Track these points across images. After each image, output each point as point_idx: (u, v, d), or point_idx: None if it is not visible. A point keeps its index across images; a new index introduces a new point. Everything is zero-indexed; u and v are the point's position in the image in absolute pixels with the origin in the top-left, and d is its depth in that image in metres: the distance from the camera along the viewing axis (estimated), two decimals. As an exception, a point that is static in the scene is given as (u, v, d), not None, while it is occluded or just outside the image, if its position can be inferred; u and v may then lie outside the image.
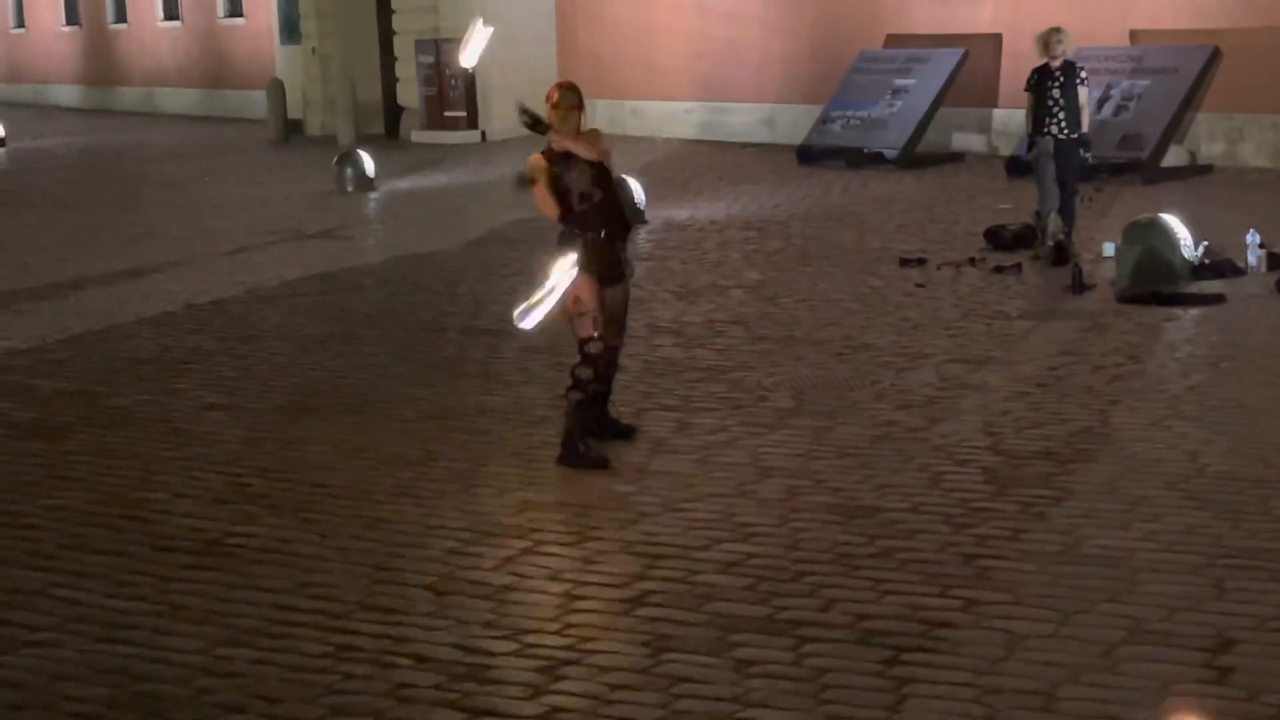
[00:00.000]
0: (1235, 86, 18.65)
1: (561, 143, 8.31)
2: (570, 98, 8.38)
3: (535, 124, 8.37)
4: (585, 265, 8.21)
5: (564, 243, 8.35)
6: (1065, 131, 13.70)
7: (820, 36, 23.47)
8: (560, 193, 8.36)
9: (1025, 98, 14.12)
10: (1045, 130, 13.72)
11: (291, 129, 30.29)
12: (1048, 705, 5.29)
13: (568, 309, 8.31)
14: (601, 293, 8.33)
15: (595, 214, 8.35)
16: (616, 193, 8.58)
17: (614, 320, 8.49)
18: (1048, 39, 13.79)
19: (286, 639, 6.13)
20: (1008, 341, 10.70)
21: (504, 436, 8.89)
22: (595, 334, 8.29)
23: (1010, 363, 10.10)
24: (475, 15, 8.77)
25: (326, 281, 14.36)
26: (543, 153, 8.44)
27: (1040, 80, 13.79)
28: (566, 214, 8.39)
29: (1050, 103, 13.70)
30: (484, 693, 5.61)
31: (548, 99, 8.40)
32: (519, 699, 5.55)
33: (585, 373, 8.30)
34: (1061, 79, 13.68)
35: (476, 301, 13.05)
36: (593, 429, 8.44)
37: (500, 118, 26.41)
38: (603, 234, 8.34)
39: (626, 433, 8.69)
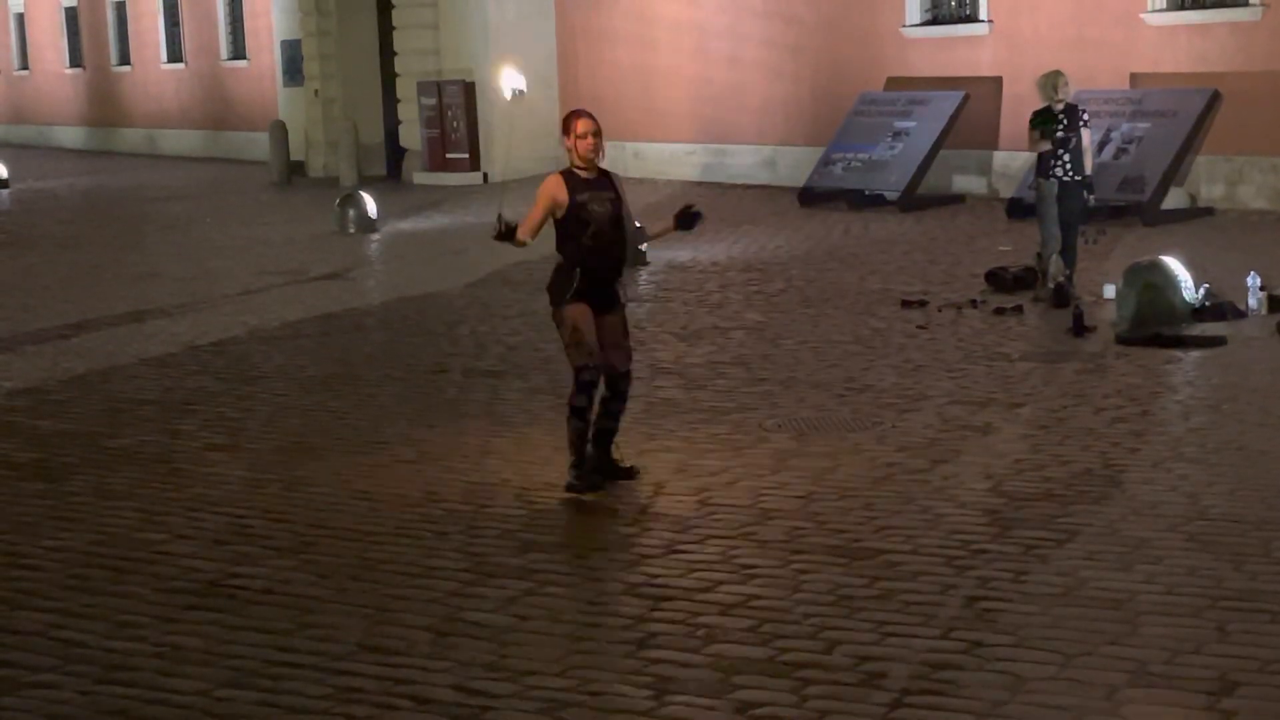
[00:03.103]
0: (1235, 129, 18.70)
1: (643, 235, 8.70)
2: (595, 124, 8.53)
3: (505, 235, 8.45)
4: (578, 295, 8.37)
5: (558, 276, 8.47)
6: (1070, 174, 13.73)
7: (821, 79, 23.56)
8: (577, 222, 8.40)
9: (1025, 140, 14.08)
10: (1050, 173, 13.75)
11: (294, 170, 30.37)
12: (1050, 748, 5.29)
13: (564, 339, 8.45)
14: (597, 320, 8.45)
15: (606, 252, 8.45)
16: (625, 233, 8.58)
17: (615, 345, 8.53)
18: (1054, 82, 13.81)
19: (288, 680, 6.12)
20: (1009, 383, 10.70)
21: (506, 478, 8.88)
22: (590, 363, 8.35)
23: (1011, 405, 10.10)
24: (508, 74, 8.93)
25: (328, 323, 14.37)
26: (562, 173, 8.50)
27: (1044, 122, 13.79)
28: (570, 244, 8.43)
29: (1055, 145, 13.72)
30: (485, 735, 5.60)
31: (575, 132, 8.44)
32: (520, 741, 5.54)
33: (581, 400, 8.39)
34: (1065, 121, 13.72)
35: (478, 343, 13.06)
36: (595, 467, 8.50)
37: (503, 160, 26.50)
38: (599, 270, 8.44)
39: (629, 474, 8.69)
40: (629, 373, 8.65)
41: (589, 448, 8.52)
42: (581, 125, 8.44)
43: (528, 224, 8.49)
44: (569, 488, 8.44)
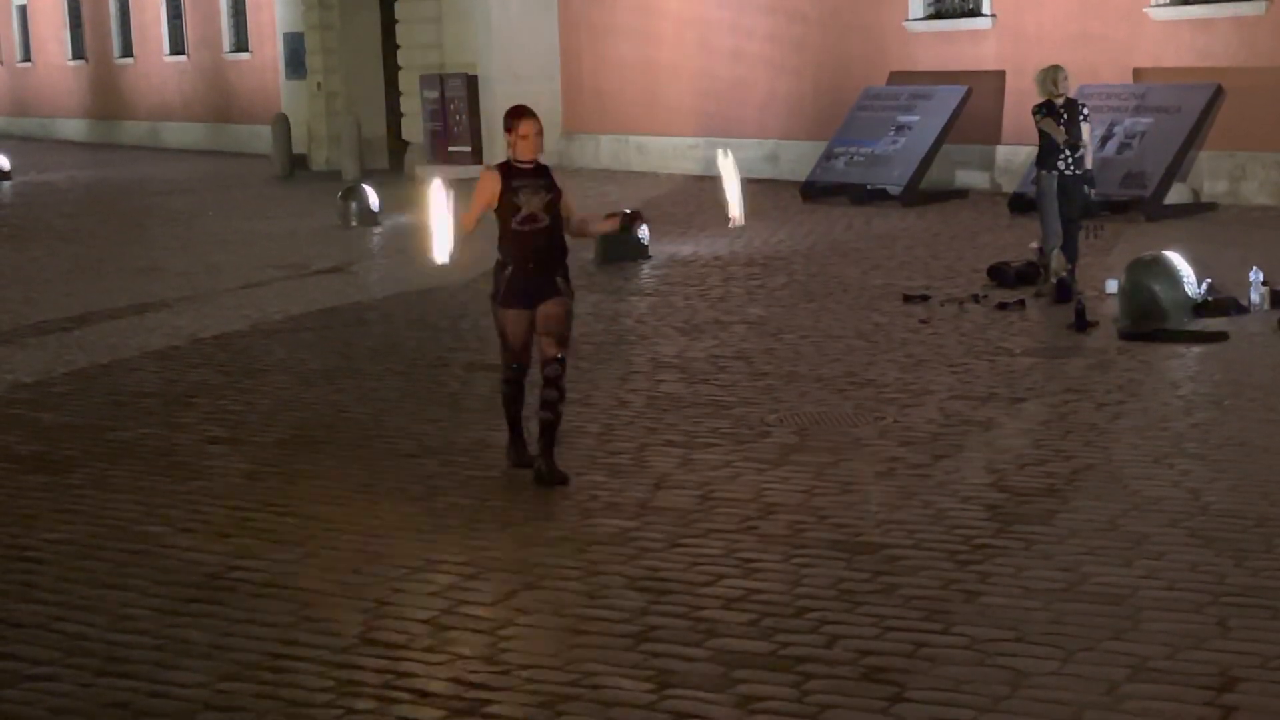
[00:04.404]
0: (1238, 125, 18.69)
1: (584, 228, 8.97)
2: (538, 125, 8.68)
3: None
4: (511, 295, 8.55)
5: (495, 271, 8.66)
6: (1071, 168, 13.72)
7: (824, 73, 23.56)
8: (508, 208, 8.56)
9: (1030, 134, 14.02)
10: (1052, 167, 13.73)
11: (296, 164, 30.38)
12: (1051, 743, 5.28)
13: (498, 334, 8.73)
14: (532, 314, 8.56)
15: (536, 239, 8.52)
16: (562, 224, 8.69)
17: (548, 331, 8.57)
18: (1052, 77, 13.79)
19: (288, 673, 6.12)
20: (1011, 378, 10.70)
21: (506, 471, 8.89)
22: (512, 365, 8.68)
23: (1013, 400, 10.10)
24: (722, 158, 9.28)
25: (330, 316, 14.38)
26: (498, 166, 8.68)
27: (1046, 116, 13.76)
28: (503, 233, 8.61)
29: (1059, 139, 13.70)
30: (486, 728, 5.60)
31: (518, 132, 8.58)
32: (521, 735, 5.54)
33: (505, 391, 8.80)
34: (1065, 116, 13.71)
35: (480, 336, 13.05)
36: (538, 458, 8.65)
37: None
38: (533, 264, 8.51)
39: (555, 479, 8.55)
40: (560, 359, 8.56)
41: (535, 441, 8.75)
42: (524, 127, 8.58)
43: (469, 215, 8.68)
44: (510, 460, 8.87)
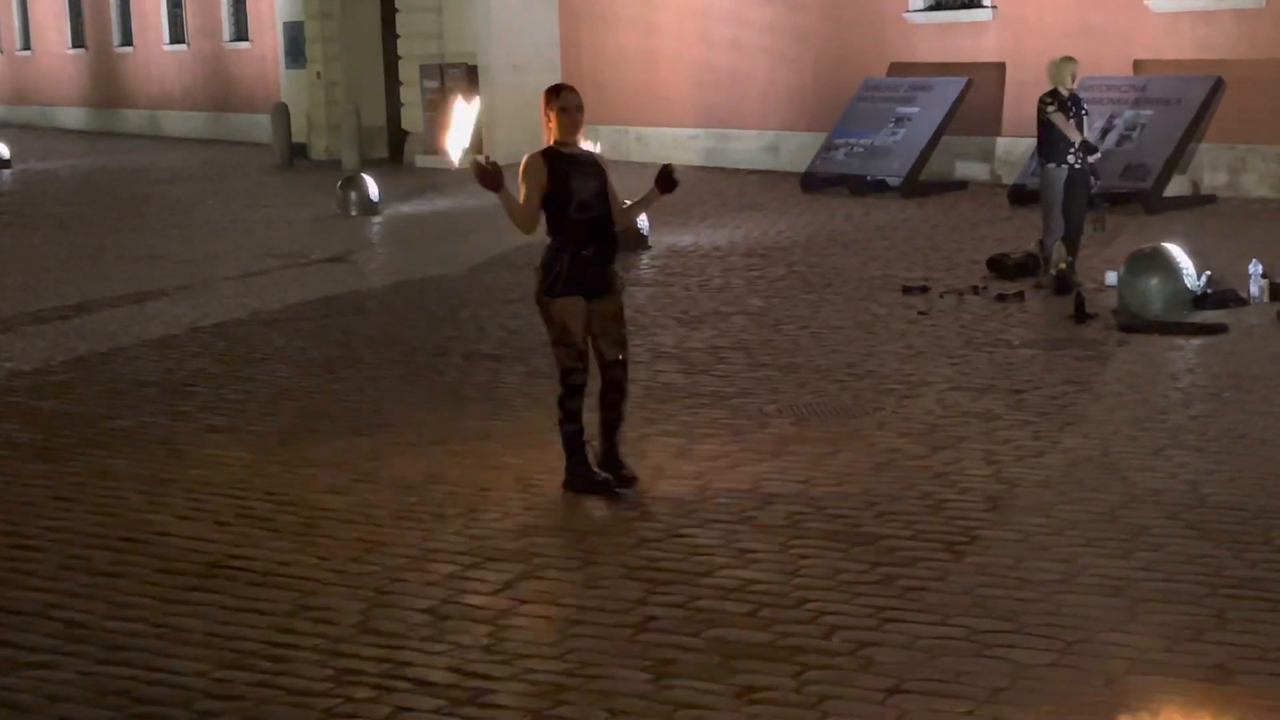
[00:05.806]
0: (1238, 117, 18.69)
1: (628, 218, 8.29)
2: (580, 99, 8.16)
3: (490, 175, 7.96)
4: (569, 284, 8.02)
5: (548, 258, 8.08)
6: (1081, 162, 13.71)
7: (824, 64, 23.55)
8: (561, 196, 8.01)
9: (1029, 126, 13.97)
10: (1062, 160, 13.70)
11: (296, 153, 30.36)
12: (1048, 734, 5.29)
13: (552, 335, 8.13)
14: (589, 308, 8.09)
15: (592, 227, 8.06)
16: (611, 210, 8.21)
17: (605, 333, 8.15)
18: (1070, 71, 13.71)
19: (287, 662, 6.13)
20: (1010, 370, 10.70)
21: (506, 461, 8.89)
22: (579, 365, 8.07)
23: (1012, 391, 10.10)
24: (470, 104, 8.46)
25: (330, 305, 14.38)
26: (542, 152, 8.10)
27: (1058, 110, 13.69)
28: (557, 222, 8.07)
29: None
30: (484, 717, 5.60)
31: (558, 104, 8.03)
32: (519, 724, 5.55)
33: (573, 404, 8.11)
34: (1072, 109, 13.70)
35: (479, 326, 13.06)
36: (603, 462, 8.23)
37: (505, 143, 26.50)
38: (589, 251, 8.04)
39: (626, 482, 8.19)
40: (623, 360, 8.21)
41: (598, 443, 8.22)
42: (567, 98, 8.06)
43: (526, 211, 8.04)
44: (567, 485, 8.20)
